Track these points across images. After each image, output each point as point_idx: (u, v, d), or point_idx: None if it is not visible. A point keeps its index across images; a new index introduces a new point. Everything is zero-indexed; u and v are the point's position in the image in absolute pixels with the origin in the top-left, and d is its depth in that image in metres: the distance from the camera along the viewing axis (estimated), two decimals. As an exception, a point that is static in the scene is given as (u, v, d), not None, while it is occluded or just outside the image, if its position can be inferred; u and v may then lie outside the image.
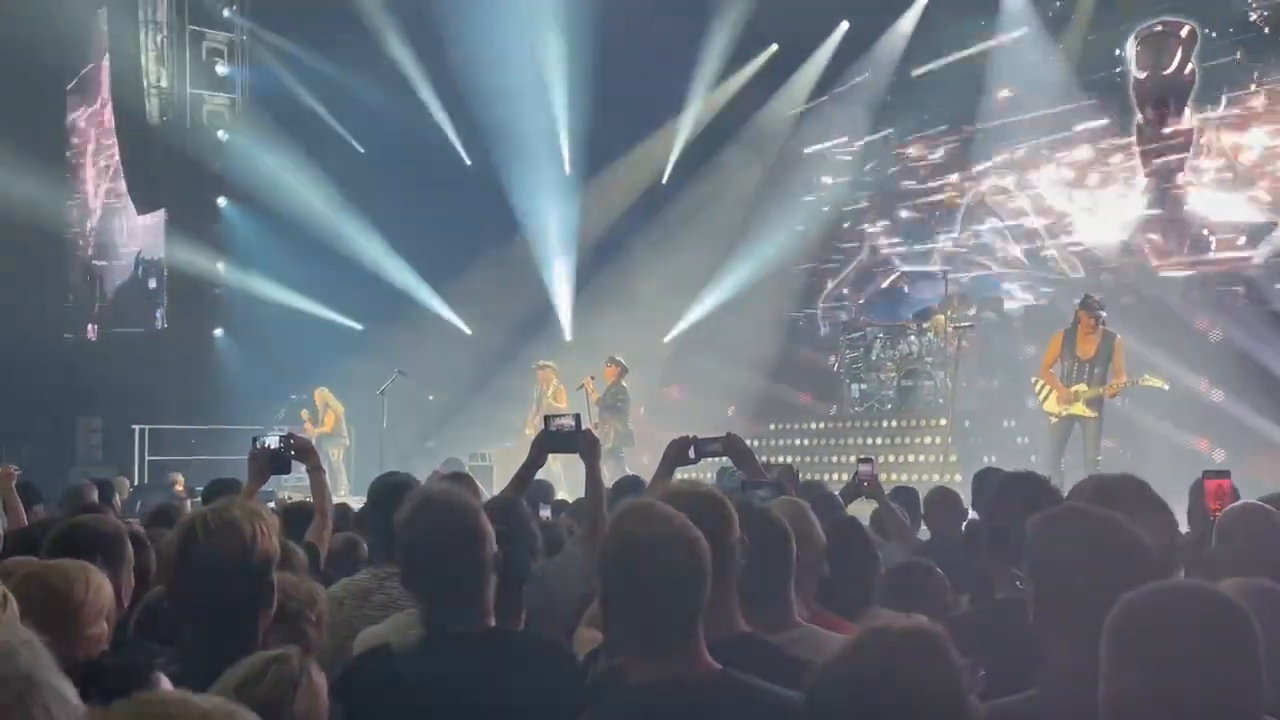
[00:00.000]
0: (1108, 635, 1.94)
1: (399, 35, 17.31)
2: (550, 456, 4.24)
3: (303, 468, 4.62)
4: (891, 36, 16.43)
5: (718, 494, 2.68)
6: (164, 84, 18.57)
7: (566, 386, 14.43)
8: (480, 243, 18.37)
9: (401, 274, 18.35)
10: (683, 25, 16.76)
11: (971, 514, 5.88)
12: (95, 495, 6.87)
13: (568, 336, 18.11)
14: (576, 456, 4.04)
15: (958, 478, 10.51)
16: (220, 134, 18.85)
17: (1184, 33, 14.06)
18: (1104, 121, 14.71)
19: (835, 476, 10.65)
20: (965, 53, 15.49)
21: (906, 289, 16.97)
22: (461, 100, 17.80)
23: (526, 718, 2.58)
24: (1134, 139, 14.60)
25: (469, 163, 18.64)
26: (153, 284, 19.76)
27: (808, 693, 1.85)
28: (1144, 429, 11.88)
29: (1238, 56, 13.56)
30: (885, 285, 17.31)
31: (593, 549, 3.99)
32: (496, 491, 4.53)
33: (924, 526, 6.03)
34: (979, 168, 16.11)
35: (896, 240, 17.20)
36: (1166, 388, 10.79)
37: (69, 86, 20.53)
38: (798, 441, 14.78)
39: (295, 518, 4.66)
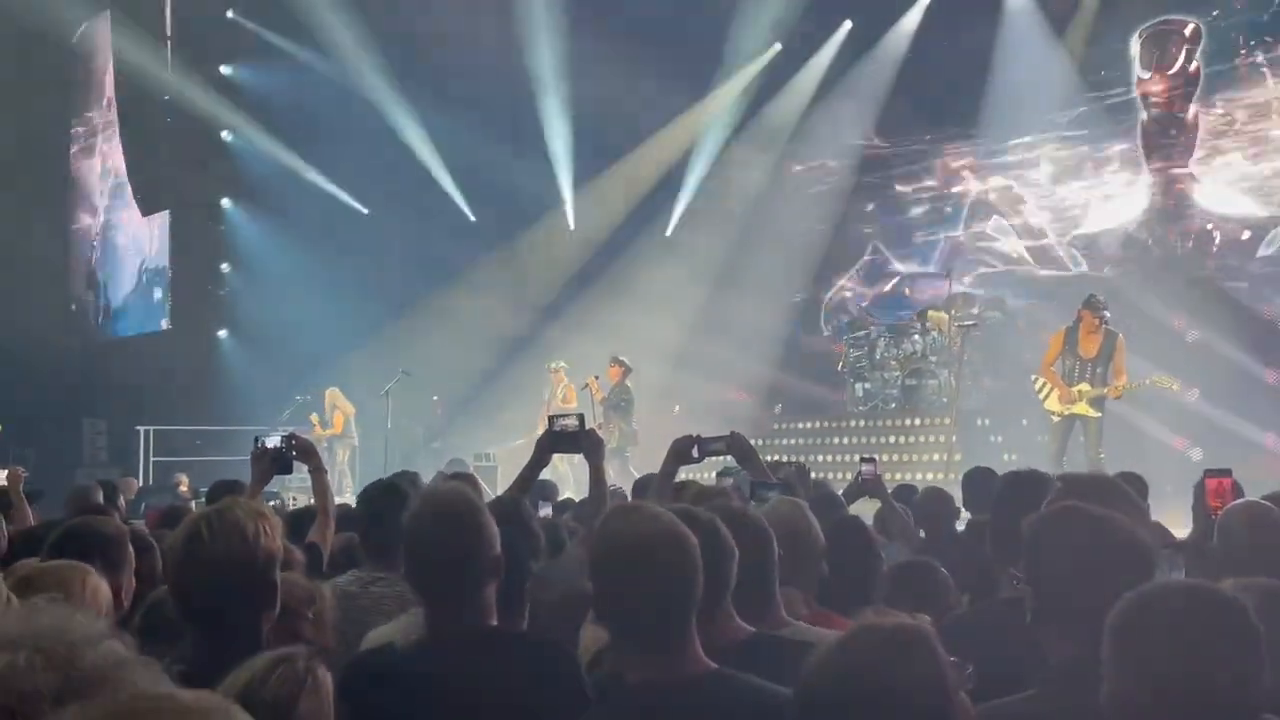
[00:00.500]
0: (1110, 634, 1.95)
1: (403, 34, 17.32)
2: (558, 457, 4.26)
3: (305, 468, 4.64)
4: (895, 35, 16.41)
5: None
6: (167, 85, 18.59)
7: (576, 388, 14.45)
8: (484, 241, 18.41)
9: (405, 273, 18.36)
10: (689, 22, 16.79)
11: (964, 513, 5.89)
12: (100, 496, 6.87)
13: (572, 335, 18.10)
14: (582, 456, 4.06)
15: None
16: (224, 135, 18.88)
17: (1188, 30, 14.04)
18: (1109, 119, 14.68)
19: (840, 475, 10.64)
20: (967, 50, 15.47)
21: (910, 288, 16.95)
22: (465, 99, 17.81)
23: (528, 718, 2.59)
24: (1139, 137, 14.58)
25: (472, 162, 18.64)
26: (157, 285, 19.79)
27: (795, 689, 1.86)
28: (1136, 428, 11.88)
29: (1241, 53, 13.55)
30: (890, 284, 17.30)
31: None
32: (501, 492, 4.54)
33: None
34: (983, 166, 16.10)
35: (901, 239, 17.18)
36: (1176, 388, 10.75)
37: (72, 88, 20.57)
38: (801, 441, 14.77)
39: (300, 521, 4.67)
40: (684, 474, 4.37)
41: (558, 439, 4.13)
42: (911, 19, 16.24)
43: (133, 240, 20.23)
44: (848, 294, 17.78)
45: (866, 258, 17.59)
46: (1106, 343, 10.40)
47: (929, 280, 16.43)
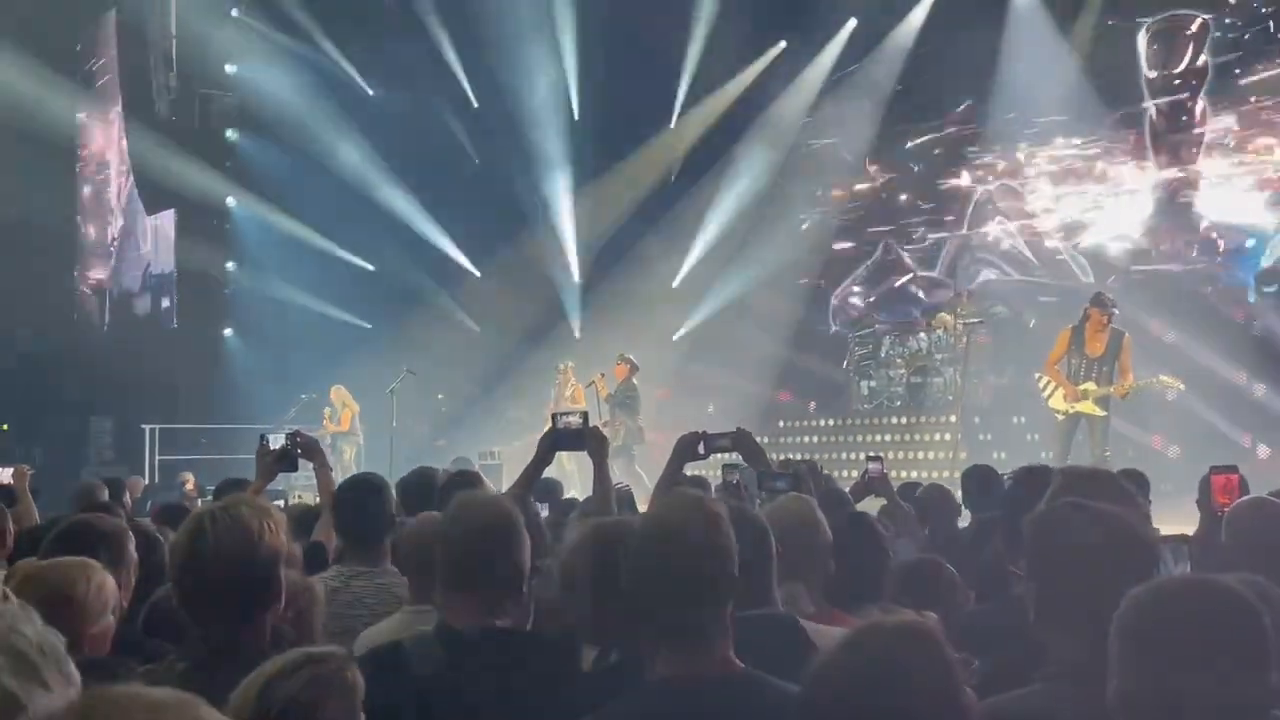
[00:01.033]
0: (1117, 631, 1.93)
1: (405, 34, 17.32)
2: (563, 455, 4.25)
3: (310, 466, 4.63)
4: (900, 33, 16.37)
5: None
6: (172, 84, 18.61)
7: (582, 386, 14.46)
8: (488, 241, 18.41)
9: (410, 272, 18.37)
10: (691, 22, 16.77)
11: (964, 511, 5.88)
12: (105, 494, 6.88)
13: (576, 335, 18.12)
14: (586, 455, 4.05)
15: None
16: (229, 133, 18.90)
17: (1195, 26, 13.98)
18: (1114, 118, 14.63)
19: (845, 474, 10.64)
20: (973, 50, 15.43)
21: (916, 288, 16.91)
22: (470, 99, 17.82)
23: (536, 716, 2.59)
24: (1146, 135, 14.53)
25: (477, 161, 18.66)
26: (163, 284, 19.82)
27: (803, 688, 1.85)
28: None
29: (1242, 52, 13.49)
30: (896, 284, 17.26)
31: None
32: (505, 490, 4.54)
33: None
34: (988, 165, 16.06)
35: (906, 239, 17.14)
36: (1181, 388, 10.73)
37: (77, 88, 20.57)
38: (806, 439, 14.76)
39: (305, 519, 4.67)
40: (691, 470, 4.36)
41: (561, 437, 4.12)
42: (916, 17, 16.20)
43: (138, 239, 20.26)
44: (855, 292, 17.73)
45: (875, 256, 17.55)
46: (1113, 341, 10.36)
47: (935, 281, 16.39)
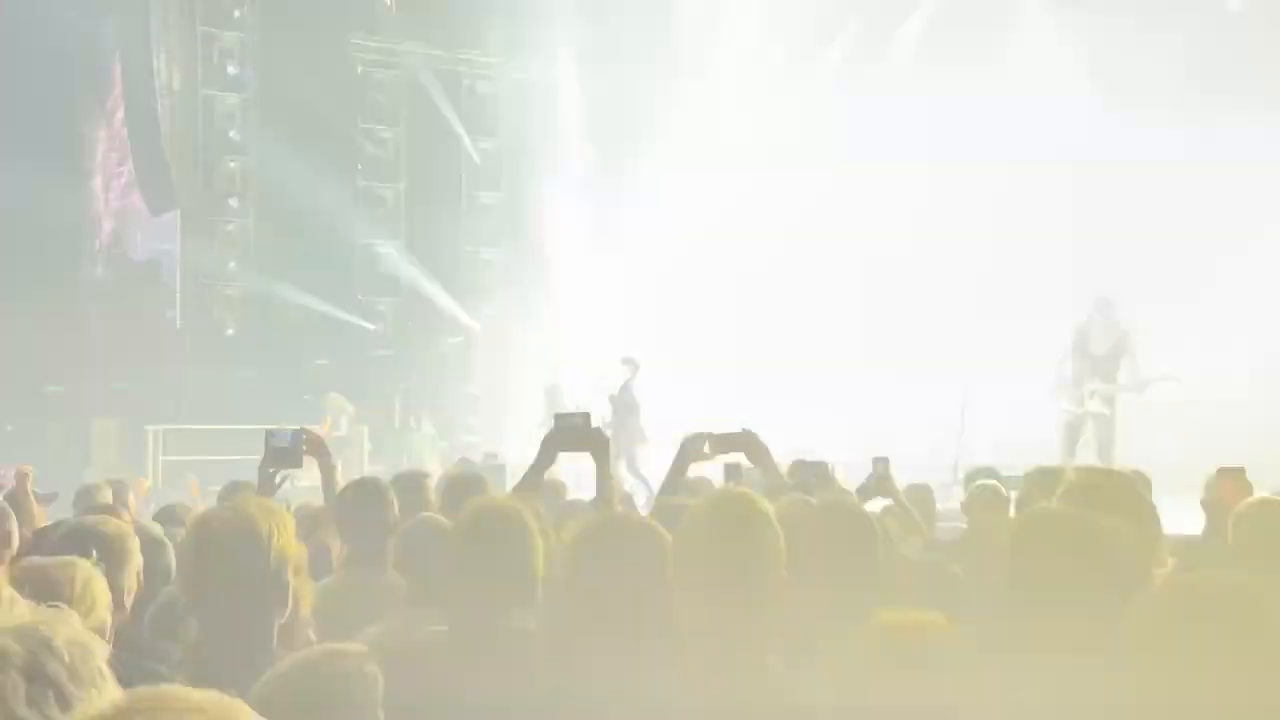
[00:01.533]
0: (1132, 631, 1.93)
1: (408, 33, 17.34)
2: (564, 456, 4.24)
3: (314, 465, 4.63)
4: (901, 34, 16.37)
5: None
6: (175, 85, 18.61)
7: (578, 387, 14.45)
8: (491, 241, 18.42)
9: (413, 273, 18.38)
10: (692, 24, 16.78)
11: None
12: (109, 496, 6.87)
13: (577, 335, 18.11)
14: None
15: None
16: (232, 134, 18.89)
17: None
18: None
19: (850, 475, 10.60)
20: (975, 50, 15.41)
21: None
22: (472, 99, 17.81)
23: (545, 716, 2.59)
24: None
25: (478, 161, 18.67)
26: (166, 285, 19.79)
27: None
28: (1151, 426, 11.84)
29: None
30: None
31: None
32: (510, 491, 4.53)
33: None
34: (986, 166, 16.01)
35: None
36: (1182, 380, 10.70)
37: (80, 89, 20.58)
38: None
39: (309, 522, 4.67)
40: (695, 472, 4.35)
41: (564, 437, 4.11)
42: (917, 18, 16.20)
43: (142, 240, 20.24)
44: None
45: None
46: (1118, 340, 10.39)
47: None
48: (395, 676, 2.62)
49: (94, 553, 3.01)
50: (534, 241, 18.72)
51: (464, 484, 4.67)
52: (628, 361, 13.98)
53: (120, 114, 19.88)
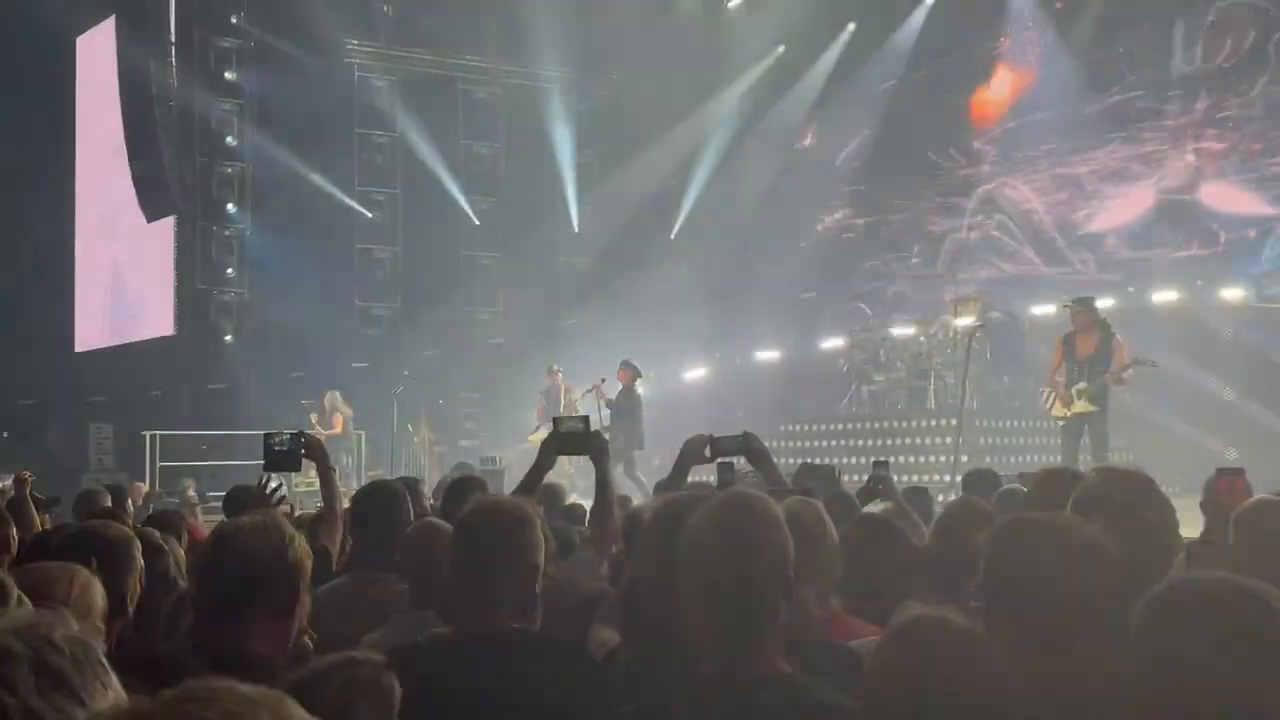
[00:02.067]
0: (1137, 634, 1.92)
1: (406, 36, 17.36)
2: (563, 460, 4.24)
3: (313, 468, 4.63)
4: (899, 36, 16.40)
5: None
6: (173, 90, 18.62)
7: (577, 389, 14.45)
8: (492, 242, 18.43)
9: (413, 275, 18.38)
10: (693, 26, 16.82)
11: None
12: (108, 501, 6.86)
13: (579, 337, 18.13)
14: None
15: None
16: (229, 139, 18.90)
17: (1221, 19, 13.92)
18: (1118, 117, 14.64)
19: (848, 478, 10.61)
20: (974, 50, 15.46)
21: (917, 290, 16.92)
22: (471, 101, 17.83)
23: (548, 716, 2.59)
24: (1150, 134, 14.52)
25: (480, 162, 18.72)
26: (163, 290, 19.79)
27: (866, 682, 1.91)
28: (1155, 425, 11.86)
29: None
30: (896, 287, 17.27)
31: (603, 550, 4.01)
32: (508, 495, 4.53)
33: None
34: (989, 166, 16.07)
35: (906, 241, 17.16)
36: (1157, 365, 10.67)
37: (77, 94, 20.58)
38: (809, 444, 14.74)
39: (308, 528, 4.66)
40: (696, 475, 4.35)
41: (563, 441, 4.12)
42: (916, 20, 16.23)
43: (139, 245, 20.24)
44: (859, 295, 17.74)
45: (874, 261, 17.57)
46: (1103, 338, 10.45)
47: (936, 282, 16.40)
48: (405, 677, 2.63)
49: (93, 560, 3.01)
50: (531, 245, 18.75)
51: (463, 488, 4.67)
52: (626, 366, 13.99)
53: (117, 119, 19.88)
